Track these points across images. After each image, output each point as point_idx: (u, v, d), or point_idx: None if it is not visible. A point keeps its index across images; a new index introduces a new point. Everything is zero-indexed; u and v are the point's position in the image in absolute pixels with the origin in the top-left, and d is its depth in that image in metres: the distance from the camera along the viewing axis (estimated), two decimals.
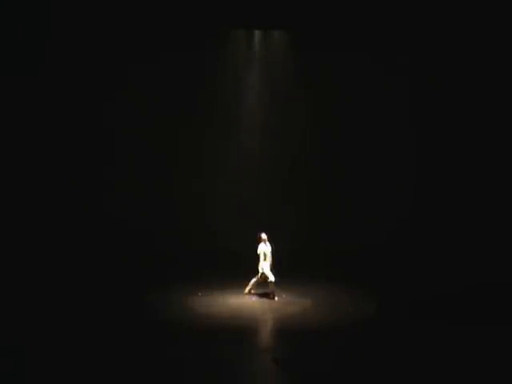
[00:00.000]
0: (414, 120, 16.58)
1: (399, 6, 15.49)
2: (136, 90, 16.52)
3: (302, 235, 16.57)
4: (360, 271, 15.13)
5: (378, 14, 15.80)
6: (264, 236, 13.01)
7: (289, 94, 17.32)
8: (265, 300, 12.91)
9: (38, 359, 8.99)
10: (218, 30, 16.44)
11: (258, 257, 12.91)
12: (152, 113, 16.90)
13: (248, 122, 17.62)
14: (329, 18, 15.89)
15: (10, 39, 15.27)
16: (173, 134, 17.01)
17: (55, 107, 16.05)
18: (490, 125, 15.80)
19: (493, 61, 15.57)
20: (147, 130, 16.93)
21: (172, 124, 16.95)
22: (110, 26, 15.66)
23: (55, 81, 15.90)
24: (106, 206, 16.58)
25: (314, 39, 16.62)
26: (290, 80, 17.25)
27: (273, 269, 12.89)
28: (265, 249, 12.90)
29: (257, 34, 17.35)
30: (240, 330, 10.78)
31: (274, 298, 12.88)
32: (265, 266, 12.82)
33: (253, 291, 13.19)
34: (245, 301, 12.88)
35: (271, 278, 12.78)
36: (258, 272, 12.93)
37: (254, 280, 13.07)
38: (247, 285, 13.17)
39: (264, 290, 13.08)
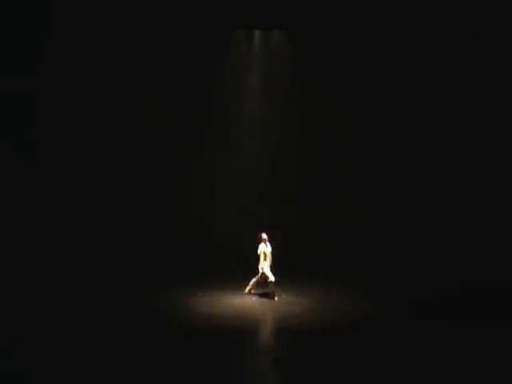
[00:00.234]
0: (414, 120, 16.55)
1: (400, 6, 15.47)
2: (135, 91, 16.51)
3: (300, 235, 16.54)
4: (358, 271, 15.13)
5: (377, 14, 15.78)
6: (264, 236, 13.02)
7: (289, 94, 17.30)
8: (265, 300, 12.93)
9: (40, 360, 9.00)
10: (218, 31, 16.42)
11: (258, 257, 12.93)
12: (152, 113, 16.88)
13: (248, 122, 17.60)
14: (329, 17, 15.88)
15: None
16: (172, 134, 17.00)
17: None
18: (489, 125, 15.79)
19: (482, 61, 15.62)
20: (146, 130, 16.91)
21: (172, 124, 16.94)
22: (108, 19, 15.63)
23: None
24: (104, 205, 16.57)
25: (314, 39, 16.62)
26: (290, 80, 17.23)
27: (273, 269, 12.91)
28: (265, 249, 12.91)
29: (257, 34, 17.33)
30: (240, 330, 10.79)
31: (273, 298, 12.89)
32: (265, 266, 12.84)
33: (253, 291, 13.21)
34: (245, 301, 12.89)
35: (271, 278, 12.80)
36: (258, 272, 12.95)
37: (254, 280, 13.09)
38: (247, 285, 13.18)
39: (264, 290, 13.09)
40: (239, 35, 17.25)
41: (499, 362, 9.02)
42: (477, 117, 15.90)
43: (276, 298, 12.89)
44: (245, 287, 13.20)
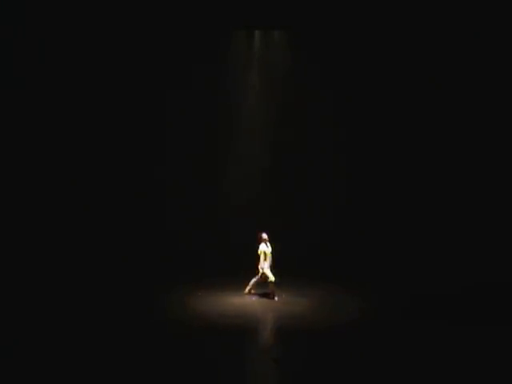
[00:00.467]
0: (415, 120, 16.55)
1: (400, 6, 15.48)
2: (136, 90, 16.52)
3: (300, 234, 16.55)
4: (358, 271, 15.15)
5: (377, 15, 15.79)
6: (265, 236, 13.03)
7: (289, 94, 17.29)
8: (265, 300, 12.93)
9: (42, 360, 9.01)
10: (218, 31, 16.42)
11: (258, 257, 12.94)
12: (152, 112, 16.88)
13: (248, 122, 17.60)
14: (329, 17, 15.88)
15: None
16: (172, 134, 17.00)
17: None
18: (489, 124, 15.80)
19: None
20: (145, 129, 16.91)
21: (172, 124, 16.95)
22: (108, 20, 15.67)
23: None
24: (103, 204, 16.57)
25: (314, 39, 16.62)
26: (290, 80, 17.23)
27: (273, 269, 12.93)
28: (265, 249, 12.92)
29: (257, 34, 17.33)
30: (240, 330, 10.79)
31: (273, 298, 12.90)
32: (265, 266, 12.85)
33: (253, 291, 13.22)
34: (245, 301, 12.90)
35: (271, 278, 12.81)
36: (258, 272, 12.96)
37: (254, 280, 13.10)
38: (247, 285, 13.19)
39: (264, 290, 13.10)
40: (239, 35, 17.24)
41: (498, 362, 9.02)
42: (477, 117, 15.90)
43: (276, 298, 12.90)
44: (245, 287, 13.21)
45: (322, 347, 9.80)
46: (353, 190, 17.02)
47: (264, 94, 17.55)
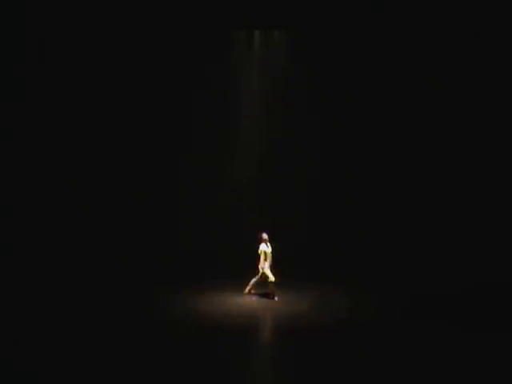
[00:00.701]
0: (417, 120, 16.55)
1: (400, 5, 15.49)
2: (136, 90, 16.52)
3: (301, 235, 16.55)
4: (358, 271, 15.15)
5: (376, 15, 15.80)
6: (265, 236, 13.04)
7: (289, 93, 17.29)
8: (265, 300, 12.94)
9: (48, 360, 9.05)
10: (218, 31, 16.42)
11: (258, 257, 12.95)
12: (153, 111, 16.89)
13: (248, 121, 17.60)
14: (328, 18, 15.89)
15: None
16: (172, 134, 17.00)
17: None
18: (490, 124, 15.81)
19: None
20: (145, 128, 16.91)
21: (171, 124, 16.95)
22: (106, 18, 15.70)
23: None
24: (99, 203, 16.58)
25: (313, 39, 16.62)
26: (289, 80, 17.22)
27: (273, 269, 12.93)
28: (265, 249, 12.93)
29: (257, 34, 17.33)
30: (240, 330, 10.80)
31: (273, 298, 12.91)
32: (265, 266, 12.86)
33: (253, 291, 13.22)
34: (245, 301, 12.90)
35: (271, 278, 12.82)
36: (258, 272, 12.97)
37: (254, 280, 13.11)
38: (247, 285, 13.20)
39: (264, 290, 13.11)
40: (239, 35, 17.24)
41: (497, 363, 9.03)
42: (476, 117, 15.91)
43: (276, 298, 12.91)
44: (245, 287, 13.22)
45: (322, 347, 9.81)
46: (353, 190, 17.01)
47: (264, 94, 17.53)
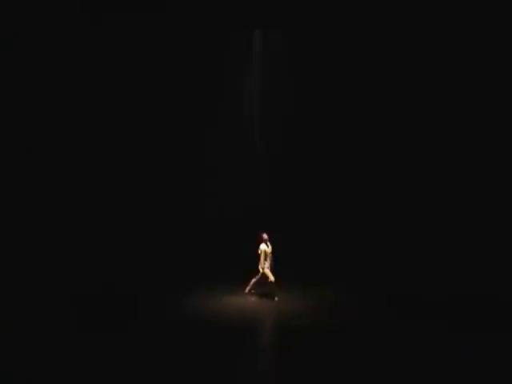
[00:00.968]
0: (413, 120, 16.57)
1: (399, 5, 15.53)
2: (137, 90, 16.53)
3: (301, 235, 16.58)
4: (354, 272, 15.19)
5: (376, 15, 15.83)
6: (265, 236, 13.06)
7: (288, 93, 17.31)
8: (265, 300, 12.97)
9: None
10: (218, 31, 16.43)
11: (258, 257, 12.98)
12: (153, 111, 16.89)
13: (247, 122, 17.62)
14: (328, 17, 15.92)
15: None
16: (172, 134, 17.02)
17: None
18: (487, 130, 15.82)
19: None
20: (144, 128, 16.92)
21: (172, 124, 16.96)
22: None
23: None
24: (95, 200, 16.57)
25: (313, 39, 16.64)
26: (289, 80, 17.24)
27: (273, 269, 12.96)
28: (265, 249, 12.95)
29: (257, 34, 17.33)
30: (240, 330, 10.83)
31: (273, 298, 12.94)
32: (265, 266, 12.89)
33: (253, 291, 13.25)
34: (245, 300, 12.92)
35: (271, 277, 12.85)
36: (259, 272, 13.00)
37: (254, 280, 13.14)
38: (247, 284, 13.23)
39: (264, 289, 13.14)
40: (239, 35, 17.24)
41: (493, 363, 9.10)
42: (476, 117, 15.93)
43: (276, 298, 12.94)
44: (245, 287, 13.25)
45: (322, 346, 9.85)
46: (351, 192, 17.04)
47: (264, 94, 17.55)
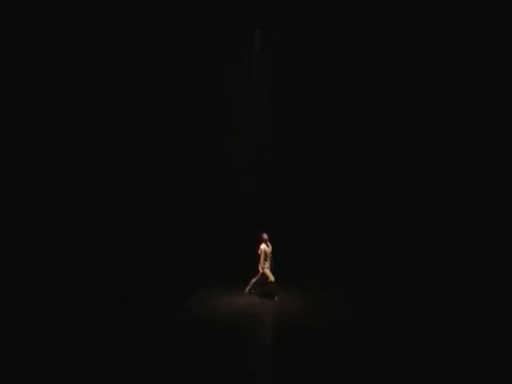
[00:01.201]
0: (416, 118, 16.57)
1: (399, 5, 15.54)
2: (138, 90, 16.53)
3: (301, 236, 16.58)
4: (353, 274, 15.19)
5: (376, 15, 15.83)
6: (265, 236, 13.07)
7: (288, 93, 17.31)
8: (265, 300, 12.97)
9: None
10: (219, 31, 16.43)
11: (258, 257, 12.98)
12: (153, 111, 16.89)
13: (247, 121, 17.63)
14: (328, 17, 15.92)
15: None
16: (173, 134, 17.02)
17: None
18: (490, 125, 15.83)
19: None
20: (145, 128, 16.91)
21: (172, 124, 16.96)
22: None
23: None
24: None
25: (312, 39, 16.65)
26: (289, 80, 17.24)
27: (273, 269, 12.97)
28: (265, 249, 12.96)
29: (257, 34, 17.33)
30: (240, 330, 10.86)
31: (273, 298, 12.94)
32: (265, 266, 12.90)
33: (253, 291, 13.26)
34: (245, 300, 12.93)
35: (271, 277, 12.85)
36: (259, 272, 13.00)
37: (254, 280, 13.14)
38: (247, 284, 13.23)
39: (264, 289, 13.14)
40: (239, 35, 17.23)
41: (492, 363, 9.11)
42: (476, 118, 15.93)
43: (276, 298, 12.94)
44: (245, 287, 13.25)
45: (322, 346, 9.88)
46: (349, 193, 17.03)
47: (263, 94, 17.56)
